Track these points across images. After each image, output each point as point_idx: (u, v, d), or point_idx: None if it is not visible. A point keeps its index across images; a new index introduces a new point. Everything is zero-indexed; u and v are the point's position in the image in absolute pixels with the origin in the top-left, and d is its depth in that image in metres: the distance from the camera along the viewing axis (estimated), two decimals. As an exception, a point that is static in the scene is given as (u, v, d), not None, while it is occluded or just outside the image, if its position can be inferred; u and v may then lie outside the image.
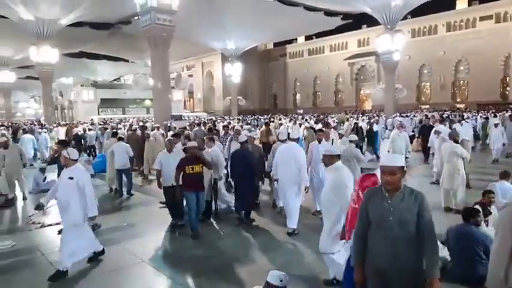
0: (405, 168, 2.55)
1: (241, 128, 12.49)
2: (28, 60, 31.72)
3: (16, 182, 8.78)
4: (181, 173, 5.80)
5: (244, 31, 35.84)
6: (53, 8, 25.63)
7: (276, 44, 58.33)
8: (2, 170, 8.47)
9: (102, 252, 5.07)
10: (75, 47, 37.81)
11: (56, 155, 8.62)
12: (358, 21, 39.68)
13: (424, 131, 12.58)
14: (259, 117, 30.94)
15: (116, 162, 8.64)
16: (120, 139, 9.14)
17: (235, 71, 41.86)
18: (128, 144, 8.98)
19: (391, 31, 27.49)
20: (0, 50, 35.48)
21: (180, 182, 5.89)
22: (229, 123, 18.80)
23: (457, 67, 41.31)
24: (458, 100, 41.42)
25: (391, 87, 29.43)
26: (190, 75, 61.83)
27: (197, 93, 62.82)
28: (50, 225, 6.79)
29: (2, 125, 25.93)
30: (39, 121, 34.90)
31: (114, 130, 13.08)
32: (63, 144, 7.10)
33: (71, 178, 4.56)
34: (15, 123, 30.41)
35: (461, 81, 41.88)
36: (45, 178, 9.98)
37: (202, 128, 13.77)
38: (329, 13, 34.58)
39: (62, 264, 4.51)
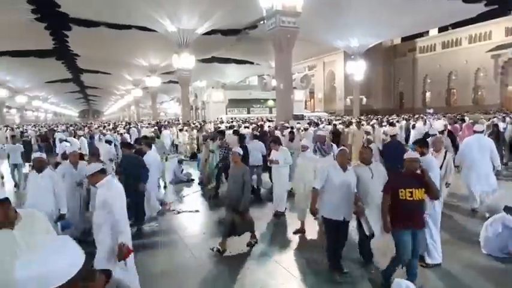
0: None
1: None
2: (170, 66, 36.30)
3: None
4: (390, 200, 3.94)
5: (369, 27, 34.27)
6: (192, 19, 28.87)
7: (403, 39, 54.21)
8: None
9: None
10: (208, 53, 41.68)
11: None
12: (506, 6, 34.00)
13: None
14: (378, 117, 29.28)
15: (250, 159, 8.94)
16: (256, 137, 9.74)
17: (358, 69, 40.40)
18: (262, 143, 9.38)
19: (553, 15, 22.94)
20: (151, 59, 41.52)
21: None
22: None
23: None
24: None
25: (551, 82, 24.60)
26: (312, 75, 62.10)
27: (318, 93, 62.77)
28: (185, 211, 7.76)
29: (150, 124, 30.33)
30: (178, 120, 39.65)
31: (235, 129, 13.98)
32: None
33: None
34: (159, 122, 35.21)
35: None
36: (182, 170, 11.37)
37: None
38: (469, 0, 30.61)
39: None
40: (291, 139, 9.74)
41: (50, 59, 42.27)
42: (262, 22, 28.44)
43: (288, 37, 22.51)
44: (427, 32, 50.80)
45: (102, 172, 3.78)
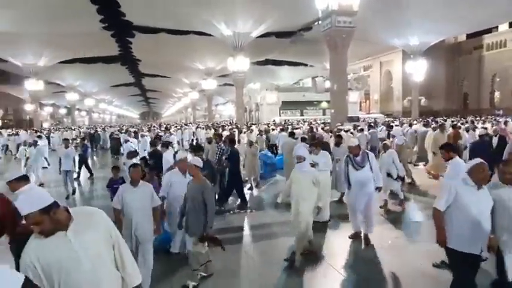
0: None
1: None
2: (225, 69, 37.24)
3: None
4: None
5: (431, 24, 32.38)
6: (247, 23, 29.40)
7: (469, 36, 50.69)
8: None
9: None
10: (262, 56, 42.11)
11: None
12: None
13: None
14: (436, 118, 27.60)
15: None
16: (303, 140, 9.71)
17: (418, 69, 38.47)
18: (307, 144, 9.40)
19: None
20: (207, 62, 42.89)
21: None
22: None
23: None
24: None
25: None
26: (368, 76, 60.23)
27: (374, 94, 60.77)
28: (239, 211, 7.94)
29: (208, 126, 31.33)
30: (232, 121, 40.47)
31: (291, 131, 13.97)
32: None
33: None
34: (216, 123, 36.24)
35: None
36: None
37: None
38: (548, -10, 27.81)
39: None
40: (337, 143, 8.69)
41: (115, 64, 45.45)
42: (316, 23, 28.20)
43: (343, 37, 22.09)
44: (496, 27, 46.98)
45: (23, 179, 3.52)
